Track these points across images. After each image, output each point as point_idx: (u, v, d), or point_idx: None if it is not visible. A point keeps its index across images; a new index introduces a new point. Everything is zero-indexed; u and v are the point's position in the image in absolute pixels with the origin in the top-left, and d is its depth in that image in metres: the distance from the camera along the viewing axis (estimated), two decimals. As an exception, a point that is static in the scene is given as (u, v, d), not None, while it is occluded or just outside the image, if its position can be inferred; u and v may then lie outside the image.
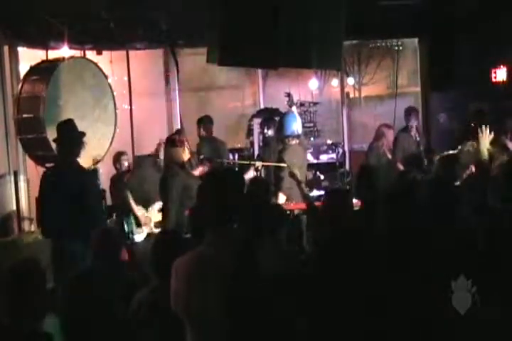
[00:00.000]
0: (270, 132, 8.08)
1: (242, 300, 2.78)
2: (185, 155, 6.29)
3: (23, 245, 6.95)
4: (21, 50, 8.24)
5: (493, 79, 8.55)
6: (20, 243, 7.05)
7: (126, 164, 7.95)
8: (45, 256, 5.65)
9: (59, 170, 5.80)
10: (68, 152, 5.75)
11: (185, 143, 6.41)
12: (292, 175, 6.31)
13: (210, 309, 2.79)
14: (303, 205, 6.63)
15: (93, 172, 7.14)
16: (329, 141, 10.83)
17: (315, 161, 10.34)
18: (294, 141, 6.93)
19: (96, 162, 7.57)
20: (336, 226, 3.56)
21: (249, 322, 2.79)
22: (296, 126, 6.97)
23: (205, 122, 8.66)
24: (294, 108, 7.43)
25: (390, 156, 8.13)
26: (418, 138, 8.18)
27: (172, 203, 6.00)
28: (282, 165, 6.89)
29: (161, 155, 7.01)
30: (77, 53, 8.23)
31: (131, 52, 9.82)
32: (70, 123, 5.96)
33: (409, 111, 8.31)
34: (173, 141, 6.31)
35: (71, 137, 5.81)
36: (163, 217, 6.29)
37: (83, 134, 5.89)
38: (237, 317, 2.77)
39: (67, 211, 5.47)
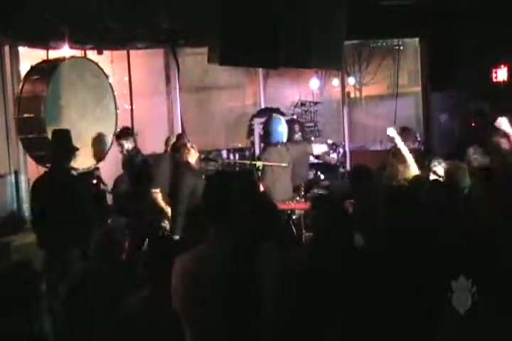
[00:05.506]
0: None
1: (238, 299, 2.78)
2: (192, 156, 6.45)
3: (24, 245, 6.94)
4: (22, 50, 8.23)
5: (494, 79, 8.55)
6: (20, 243, 7.05)
7: None
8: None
9: (53, 180, 5.78)
10: (62, 161, 5.85)
11: (188, 144, 6.55)
12: None
13: (208, 309, 2.79)
14: (303, 205, 6.65)
15: (86, 179, 7.15)
16: (330, 141, 10.81)
17: (315, 161, 10.33)
18: (279, 145, 7.04)
19: (97, 162, 7.59)
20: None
21: (246, 322, 2.79)
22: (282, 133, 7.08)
23: (131, 133, 7.60)
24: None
25: None
26: None
27: (181, 204, 6.09)
28: (283, 165, 6.89)
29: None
30: (78, 53, 8.22)
31: (132, 52, 9.81)
32: (67, 133, 6.12)
33: None
34: (174, 145, 6.66)
35: (67, 147, 5.94)
36: (171, 219, 6.32)
37: (77, 149, 6.05)
38: (234, 316, 2.77)
39: (64, 221, 5.43)
